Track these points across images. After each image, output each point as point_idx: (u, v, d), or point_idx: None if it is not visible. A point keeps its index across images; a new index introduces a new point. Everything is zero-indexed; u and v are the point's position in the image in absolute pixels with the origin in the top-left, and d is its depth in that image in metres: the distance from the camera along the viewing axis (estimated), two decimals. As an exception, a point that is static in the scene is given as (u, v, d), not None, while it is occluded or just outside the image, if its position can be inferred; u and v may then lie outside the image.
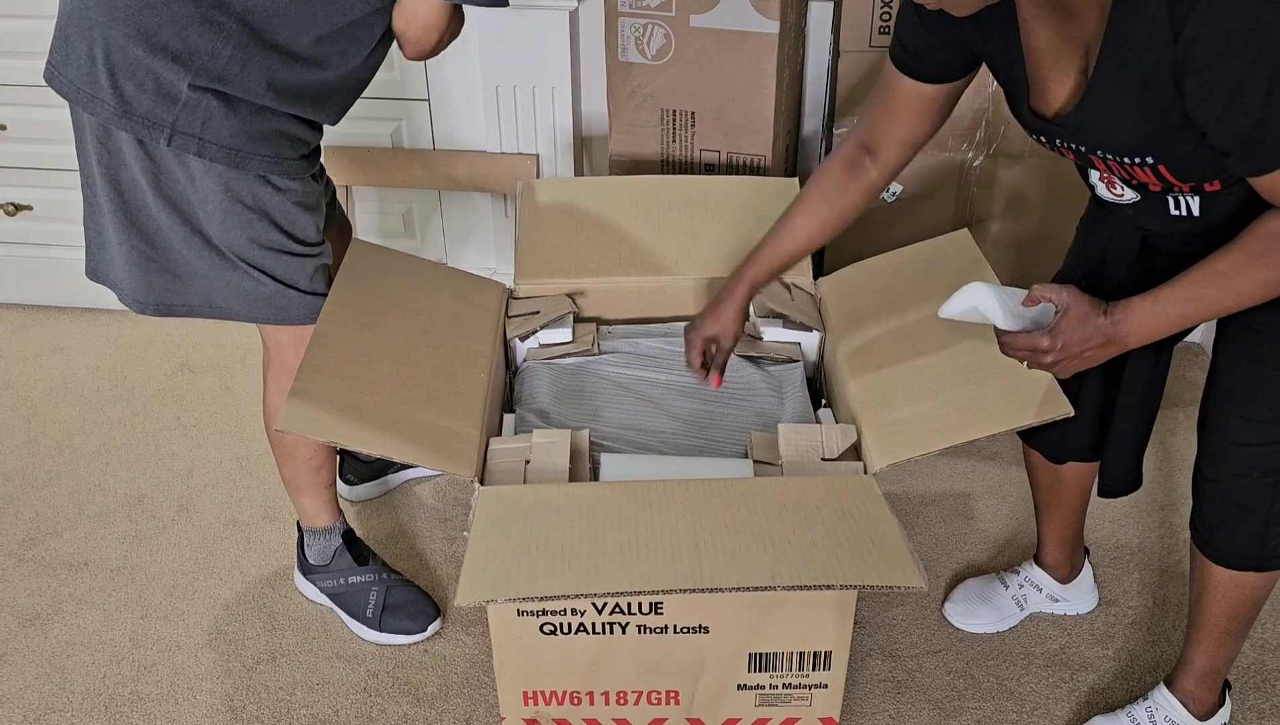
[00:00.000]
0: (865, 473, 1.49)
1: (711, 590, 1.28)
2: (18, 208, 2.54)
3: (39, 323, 2.67)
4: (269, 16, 1.40)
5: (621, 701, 1.54)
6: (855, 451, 1.54)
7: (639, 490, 1.43)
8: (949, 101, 1.44)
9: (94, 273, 1.61)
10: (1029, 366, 1.33)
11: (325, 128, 1.58)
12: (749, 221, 1.91)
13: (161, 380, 2.47)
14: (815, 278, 1.89)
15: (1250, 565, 1.47)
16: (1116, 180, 1.32)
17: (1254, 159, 1.13)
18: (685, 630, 1.47)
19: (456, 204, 2.55)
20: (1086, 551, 1.87)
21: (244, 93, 1.41)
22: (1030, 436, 1.68)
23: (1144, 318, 1.26)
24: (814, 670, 1.51)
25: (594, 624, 1.46)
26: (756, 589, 1.28)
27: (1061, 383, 1.42)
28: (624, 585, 1.30)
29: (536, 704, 1.54)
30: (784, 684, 1.53)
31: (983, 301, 1.30)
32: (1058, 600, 1.85)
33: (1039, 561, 1.84)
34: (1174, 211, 1.32)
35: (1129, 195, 1.33)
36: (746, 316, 1.69)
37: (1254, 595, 1.51)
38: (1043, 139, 1.32)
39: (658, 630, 1.46)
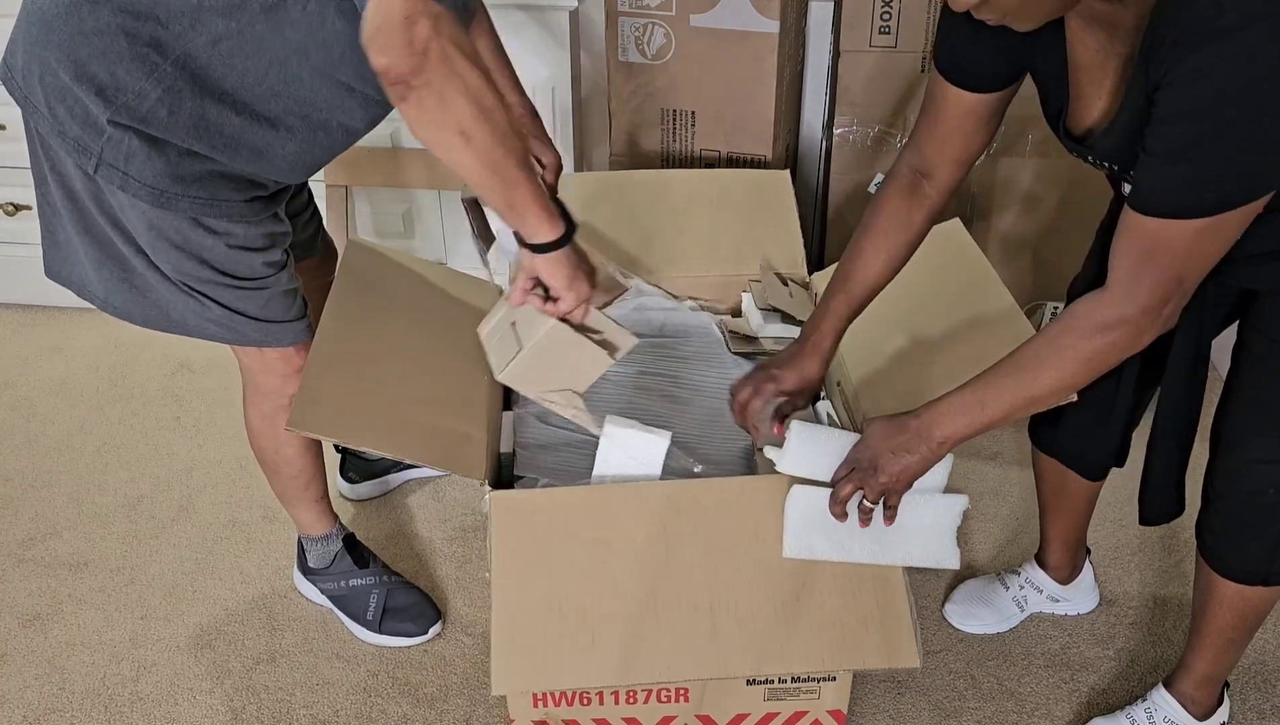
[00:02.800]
0: None
1: (726, 679, 1.32)
2: (17, 208, 2.54)
3: (39, 323, 2.67)
4: (212, 64, 1.29)
5: (631, 700, 1.54)
6: None
7: (653, 516, 1.40)
8: (998, 112, 1.37)
9: (53, 273, 1.53)
10: (864, 506, 1.32)
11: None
12: (741, 215, 1.92)
13: (161, 380, 2.47)
14: (810, 273, 1.89)
15: (1259, 580, 1.46)
16: None
17: (1152, 192, 1.10)
18: None
19: (456, 204, 2.55)
20: (1088, 551, 1.87)
21: (170, 136, 1.32)
22: (1050, 447, 1.65)
23: (951, 407, 1.26)
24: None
25: None
26: (767, 682, 1.34)
27: (1087, 392, 1.36)
28: (648, 677, 1.33)
29: (546, 705, 1.54)
30: (793, 678, 1.53)
31: (799, 493, 1.36)
32: (1058, 601, 1.85)
33: (1040, 562, 1.84)
34: None
35: None
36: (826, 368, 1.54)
37: (1259, 607, 1.50)
38: (1079, 157, 1.30)
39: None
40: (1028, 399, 1.23)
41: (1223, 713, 1.64)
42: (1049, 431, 1.63)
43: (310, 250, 1.74)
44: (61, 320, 2.66)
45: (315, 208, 1.74)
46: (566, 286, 1.33)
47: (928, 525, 1.38)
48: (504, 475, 1.57)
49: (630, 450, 1.45)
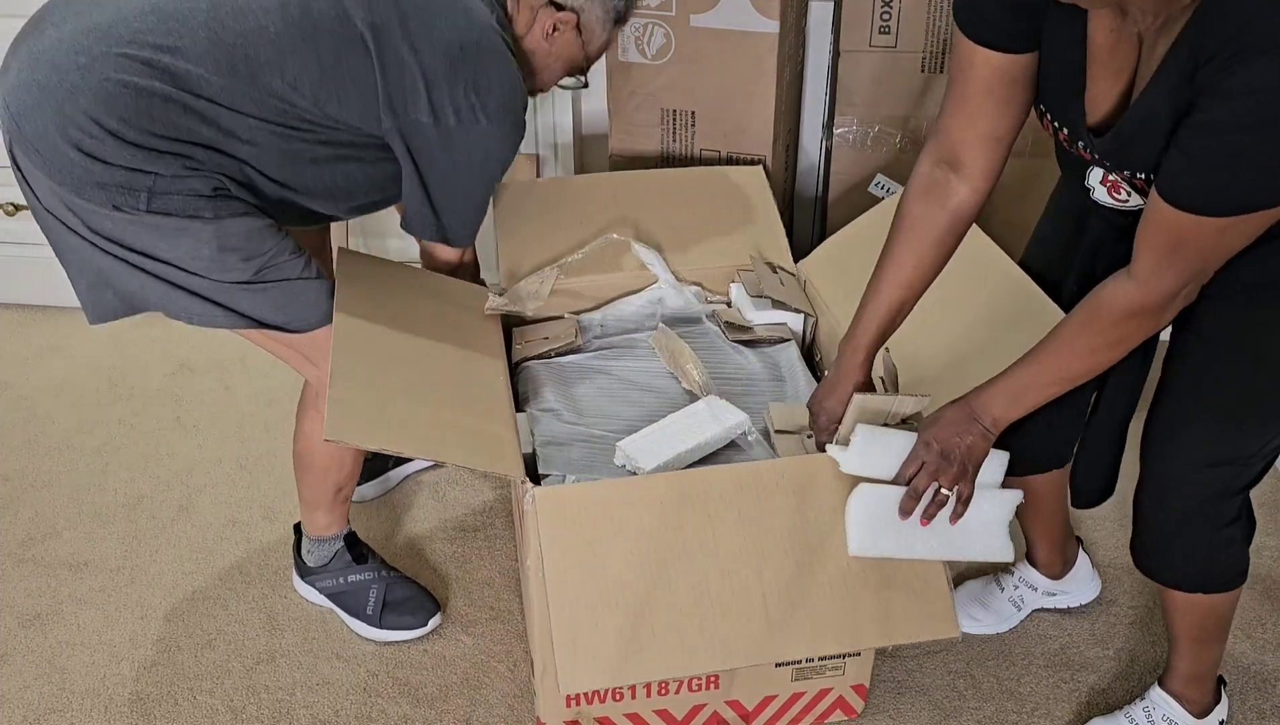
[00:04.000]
0: None
1: (784, 665, 1.36)
2: (17, 208, 2.54)
3: (39, 323, 2.67)
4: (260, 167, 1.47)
5: (663, 691, 1.56)
6: None
7: (695, 504, 1.40)
8: (1028, 83, 1.28)
9: (108, 314, 1.58)
10: (928, 512, 1.35)
11: None
12: (722, 210, 1.95)
13: (161, 380, 2.47)
14: (795, 261, 1.90)
15: (1199, 588, 1.48)
16: (1123, 186, 1.30)
17: (1181, 186, 1.11)
18: None
19: (456, 204, 2.54)
20: (1079, 540, 1.87)
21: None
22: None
23: (996, 391, 1.31)
24: None
25: None
26: (795, 662, 1.35)
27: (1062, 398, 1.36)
28: (710, 666, 1.35)
29: (578, 704, 1.55)
30: (820, 656, 1.55)
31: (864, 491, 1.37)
32: (1055, 594, 1.86)
33: (1031, 561, 1.84)
34: None
35: (1134, 201, 1.31)
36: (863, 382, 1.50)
37: (1216, 611, 1.51)
38: (1065, 136, 1.29)
39: None
40: (1064, 380, 1.28)
41: (1221, 710, 1.64)
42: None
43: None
44: (61, 320, 2.66)
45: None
46: None
47: (985, 520, 1.39)
48: (527, 473, 1.57)
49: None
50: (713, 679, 1.56)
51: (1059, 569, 1.84)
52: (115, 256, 1.46)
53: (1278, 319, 1.29)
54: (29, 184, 1.47)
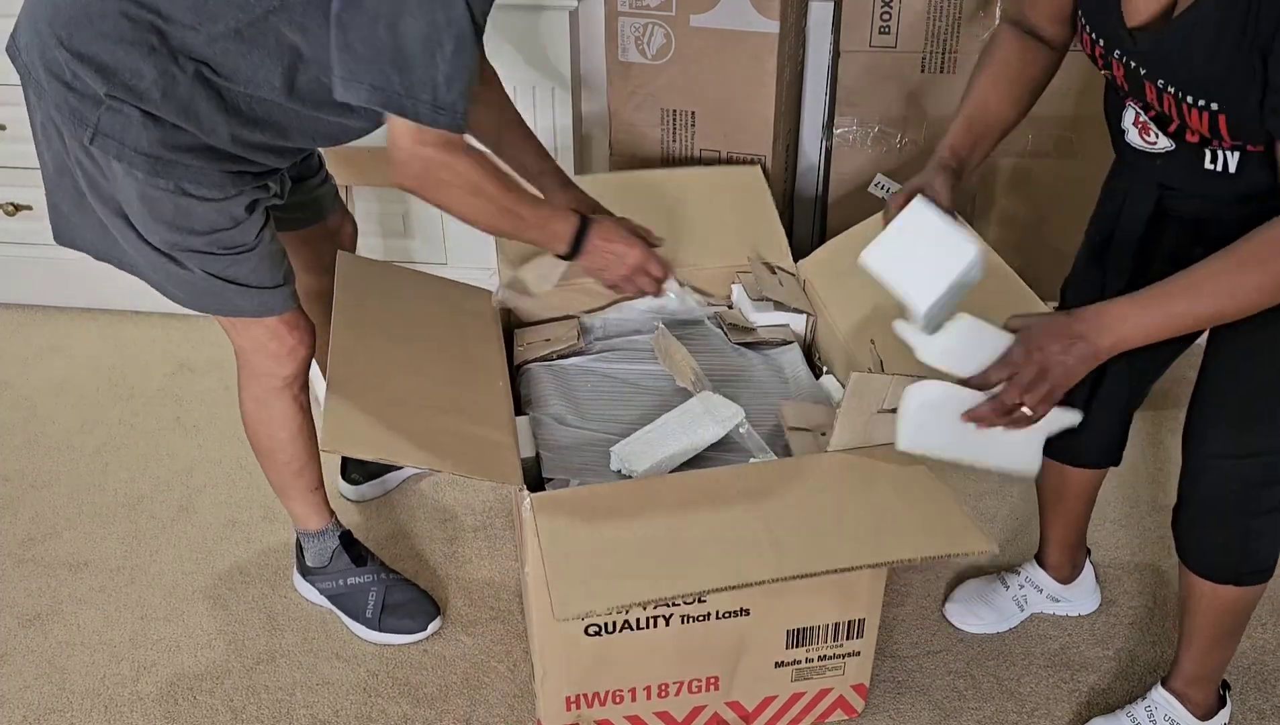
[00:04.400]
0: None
1: (803, 577, 1.27)
2: (17, 208, 2.54)
3: (39, 323, 2.67)
4: (207, 58, 1.36)
5: (663, 694, 1.56)
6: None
7: (693, 482, 1.42)
8: None
9: (65, 239, 1.58)
10: (1008, 419, 1.23)
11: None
12: (722, 210, 1.95)
13: (161, 380, 2.47)
14: (795, 261, 1.90)
15: (1229, 579, 1.47)
16: (1153, 126, 1.27)
17: None
18: (726, 615, 1.49)
19: (456, 204, 2.55)
20: (1088, 551, 1.87)
21: (163, 114, 1.38)
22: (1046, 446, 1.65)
23: (1127, 313, 1.19)
24: (849, 639, 1.56)
25: (638, 619, 1.47)
26: (844, 570, 1.28)
27: (1078, 386, 1.30)
28: (716, 582, 1.27)
29: (579, 707, 1.55)
30: (819, 656, 1.57)
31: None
32: (1059, 600, 1.85)
33: (1040, 562, 1.84)
34: (1208, 165, 1.27)
35: (1163, 143, 1.28)
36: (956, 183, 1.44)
37: (1236, 607, 1.50)
38: (1101, 48, 1.27)
39: (700, 619, 1.48)
40: (1213, 317, 1.18)
41: (1224, 715, 1.64)
42: None
43: (323, 212, 1.77)
44: (61, 320, 2.66)
45: (326, 170, 1.78)
46: (612, 270, 1.57)
47: (1031, 434, 1.29)
48: (527, 479, 1.57)
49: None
50: (713, 680, 1.56)
51: (1067, 573, 1.84)
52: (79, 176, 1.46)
53: None
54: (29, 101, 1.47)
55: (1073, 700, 1.73)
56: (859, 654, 1.58)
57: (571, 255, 1.54)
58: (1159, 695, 1.62)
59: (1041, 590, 1.84)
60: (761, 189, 2.02)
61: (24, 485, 2.18)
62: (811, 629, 1.54)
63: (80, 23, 1.35)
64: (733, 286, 1.89)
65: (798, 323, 1.84)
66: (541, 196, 1.71)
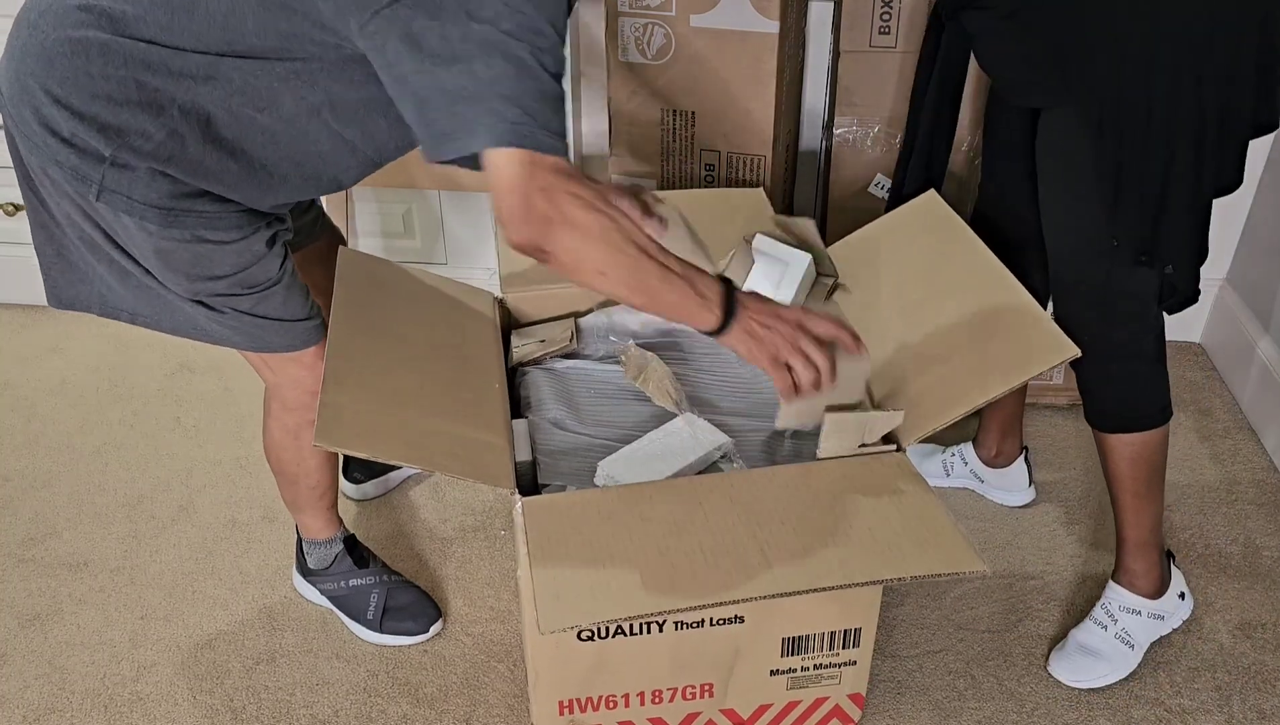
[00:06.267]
0: (898, 450, 1.48)
1: (788, 594, 1.26)
2: (17, 208, 2.54)
3: (39, 323, 2.67)
4: (218, 115, 1.31)
5: (657, 700, 1.55)
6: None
7: (685, 489, 1.41)
8: None
9: (64, 301, 1.52)
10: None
11: None
12: (721, 232, 1.91)
13: (161, 380, 2.47)
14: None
15: (1130, 427, 1.61)
16: None
17: None
18: (721, 623, 1.48)
19: (457, 204, 2.55)
20: (1025, 449, 2.05)
21: (170, 171, 1.33)
22: None
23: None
24: (844, 648, 1.55)
25: (632, 625, 1.46)
26: (831, 589, 1.27)
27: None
28: (703, 598, 1.25)
29: (572, 712, 1.54)
30: (815, 665, 1.56)
31: None
32: (983, 481, 2.06)
33: (975, 443, 2.06)
34: None
35: None
36: None
37: (1146, 452, 1.63)
38: None
39: (694, 625, 1.47)
40: None
41: (1178, 582, 1.77)
42: None
43: (312, 235, 1.75)
44: (62, 320, 2.66)
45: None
46: (762, 354, 1.33)
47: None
48: (523, 483, 1.57)
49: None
50: (707, 687, 1.55)
51: (993, 456, 2.02)
52: (79, 234, 1.41)
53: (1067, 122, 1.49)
54: (19, 160, 1.40)
55: (1073, 700, 1.73)
56: (855, 663, 1.56)
57: (724, 325, 1.30)
58: (1110, 590, 1.75)
59: (967, 463, 2.06)
60: (765, 209, 1.99)
61: (24, 485, 2.18)
62: (807, 638, 1.53)
63: (80, 81, 1.27)
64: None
65: None
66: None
